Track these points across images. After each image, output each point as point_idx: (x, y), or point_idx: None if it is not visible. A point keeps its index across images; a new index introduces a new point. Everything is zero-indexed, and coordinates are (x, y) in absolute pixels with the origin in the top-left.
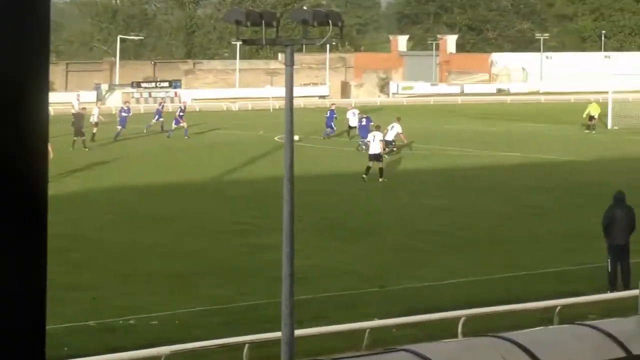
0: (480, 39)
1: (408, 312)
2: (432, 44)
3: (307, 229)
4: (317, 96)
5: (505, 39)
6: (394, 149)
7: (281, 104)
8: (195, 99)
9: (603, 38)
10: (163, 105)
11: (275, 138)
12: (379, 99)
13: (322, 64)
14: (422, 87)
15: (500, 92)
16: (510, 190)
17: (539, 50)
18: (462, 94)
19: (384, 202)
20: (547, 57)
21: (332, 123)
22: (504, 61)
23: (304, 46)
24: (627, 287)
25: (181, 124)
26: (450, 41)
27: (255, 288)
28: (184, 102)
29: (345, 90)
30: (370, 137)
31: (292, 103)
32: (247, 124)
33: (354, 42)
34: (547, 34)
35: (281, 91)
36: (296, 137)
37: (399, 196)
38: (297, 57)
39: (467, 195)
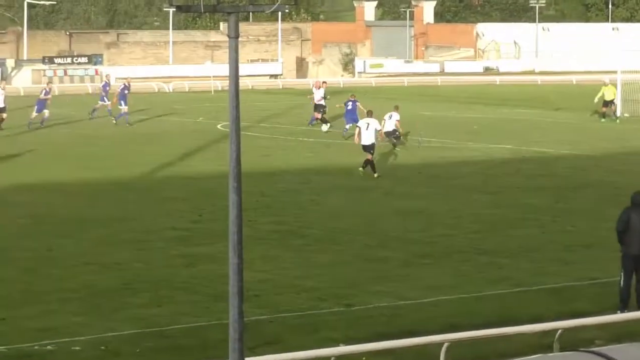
0: (463, 6)
1: (380, 336)
2: (405, 12)
3: (259, 237)
4: (268, 75)
5: (493, 7)
6: (400, 136)
7: (224, 84)
8: (119, 78)
9: (610, 6)
10: (107, 83)
11: (218, 126)
12: (342, 79)
13: (273, 36)
14: (393, 64)
15: (487, 71)
16: (500, 190)
17: (534, 21)
18: (442, 73)
19: (351, 205)
20: (543, 29)
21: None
22: (492, 34)
23: (251, 14)
24: None
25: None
26: (428, 9)
27: (195, 307)
28: (127, 80)
29: (301, 67)
30: (362, 123)
31: (237, 83)
32: (184, 109)
33: (311, 10)
34: (543, 1)
35: (224, 69)
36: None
37: (368, 197)
38: (243, 27)
39: (449, 196)
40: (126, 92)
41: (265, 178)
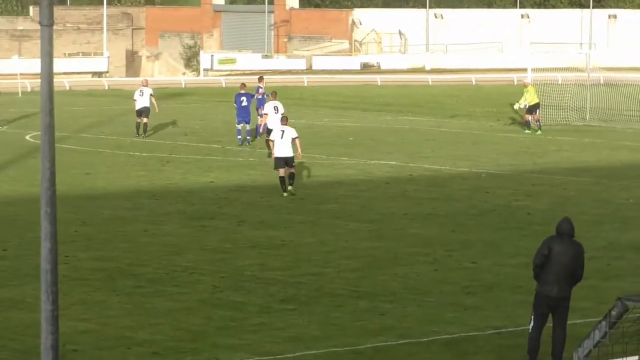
0: None
1: None
2: None
3: (79, 277)
4: (91, 73)
5: None
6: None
7: (35, 84)
8: None
9: None
10: None
11: (27, 137)
12: (183, 79)
13: (97, 24)
14: (249, 60)
15: (366, 68)
16: (382, 218)
17: (424, 6)
18: (309, 70)
19: (195, 236)
20: (436, 17)
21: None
22: (372, 22)
23: None
24: None
25: None
26: None
27: None
28: None
29: (132, 64)
30: (276, 133)
31: (51, 83)
32: None
33: None
34: None
35: (35, 65)
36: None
37: (216, 226)
38: (59, 12)
39: (319, 225)
40: None
41: (86, 202)
